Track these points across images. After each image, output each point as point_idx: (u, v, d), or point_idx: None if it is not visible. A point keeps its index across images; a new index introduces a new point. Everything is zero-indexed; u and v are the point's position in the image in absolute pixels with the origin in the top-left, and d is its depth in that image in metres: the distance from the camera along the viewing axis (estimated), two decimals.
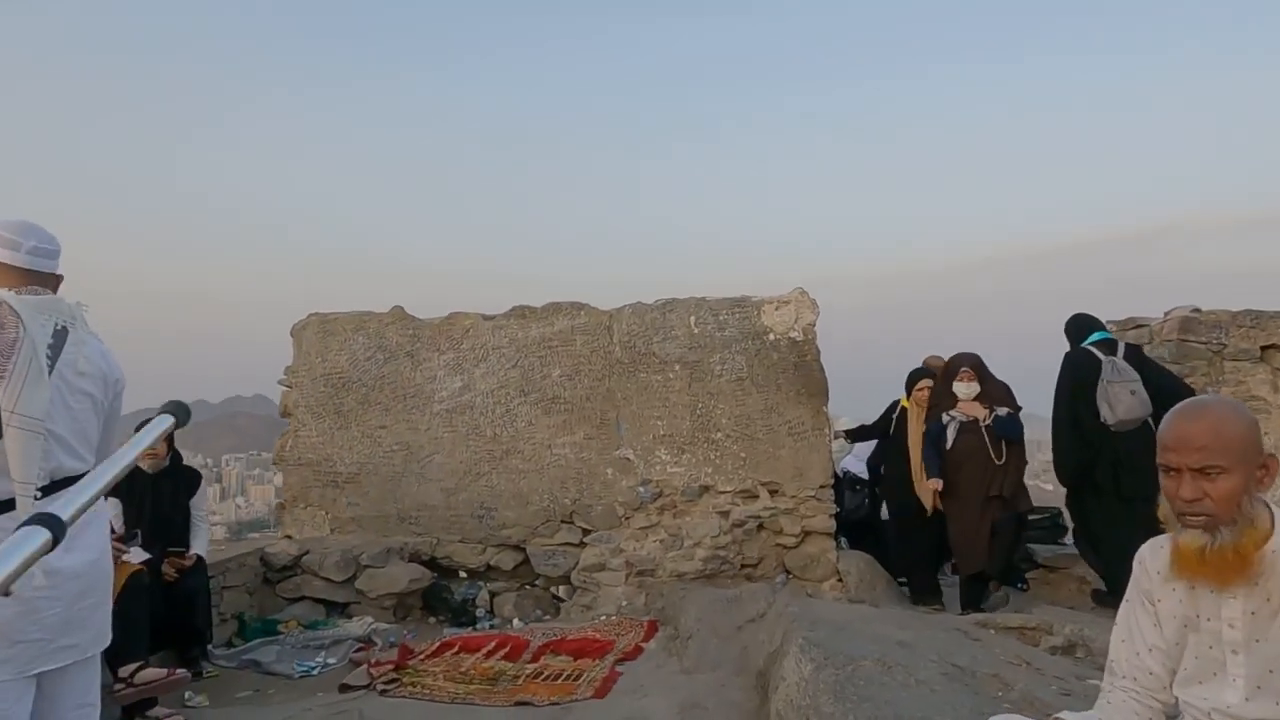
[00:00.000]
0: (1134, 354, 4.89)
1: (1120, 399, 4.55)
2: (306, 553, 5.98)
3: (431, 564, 6.27)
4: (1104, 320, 6.83)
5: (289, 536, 6.38)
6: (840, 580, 5.93)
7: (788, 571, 6.08)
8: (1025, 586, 6.30)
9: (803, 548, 6.04)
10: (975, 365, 5.41)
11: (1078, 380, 4.74)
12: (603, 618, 5.59)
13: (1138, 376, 4.59)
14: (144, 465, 4.85)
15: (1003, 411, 5.28)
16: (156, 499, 4.86)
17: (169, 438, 4.96)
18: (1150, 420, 4.57)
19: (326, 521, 6.39)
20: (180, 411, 1.56)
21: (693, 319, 6.18)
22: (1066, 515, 6.26)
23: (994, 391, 5.41)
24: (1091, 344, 4.95)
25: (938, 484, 5.42)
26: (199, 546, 4.92)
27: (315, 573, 5.89)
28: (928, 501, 5.62)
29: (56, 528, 1.00)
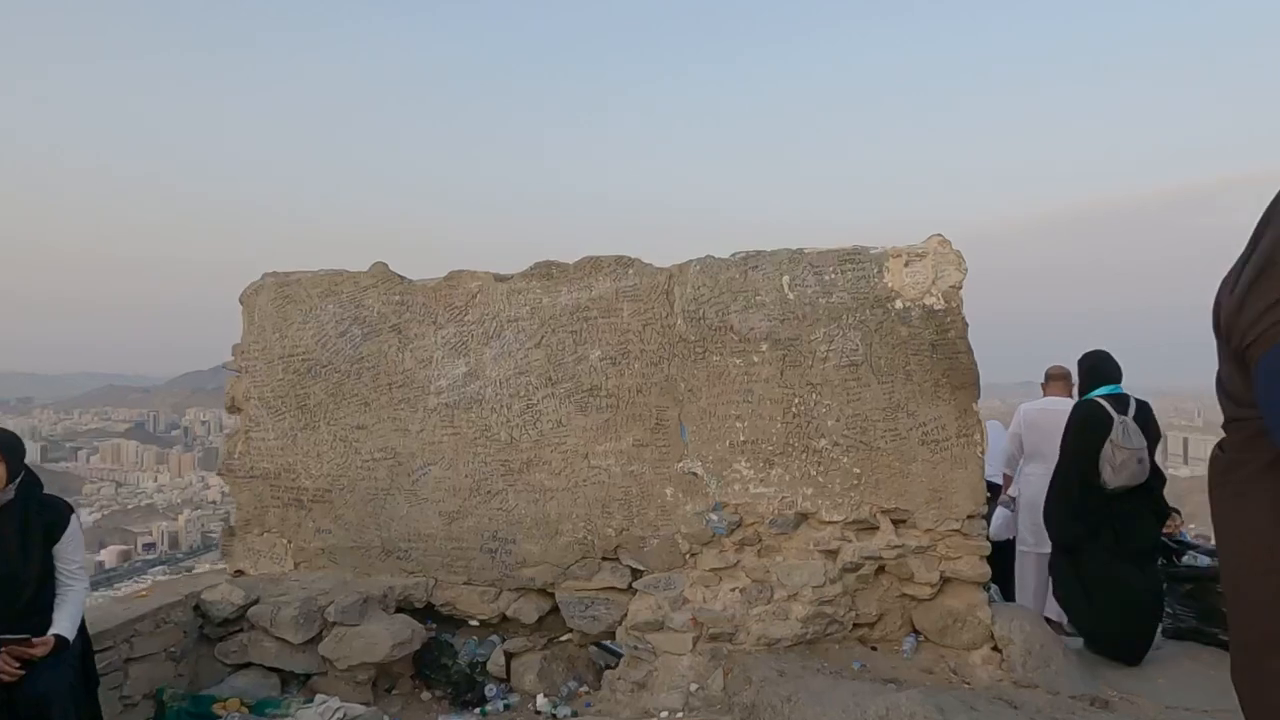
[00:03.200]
0: (1144, 414, 4.38)
1: (1126, 466, 4.21)
2: (256, 601, 4.27)
3: (427, 613, 4.55)
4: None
5: (240, 573, 4.68)
6: (997, 650, 4.08)
7: (917, 633, 4.25)
8: None
9: (941, 600, 4.18)
10: None
11: (1087, 438, 4.29)
12: (664, 715, 3.80)
13: (1144, 443, 4.24)
14: None
15: None
16: None
17: (15, 456, 3.22)
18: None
19: (288, 553, 4.66)
20: None
21: (786, 279, 4.29)
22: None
23: None
24: (1103, 395, 4.41)
25: None
26: (62, 623, 3.19)
27: (267, 629, 4.18)
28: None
29: None
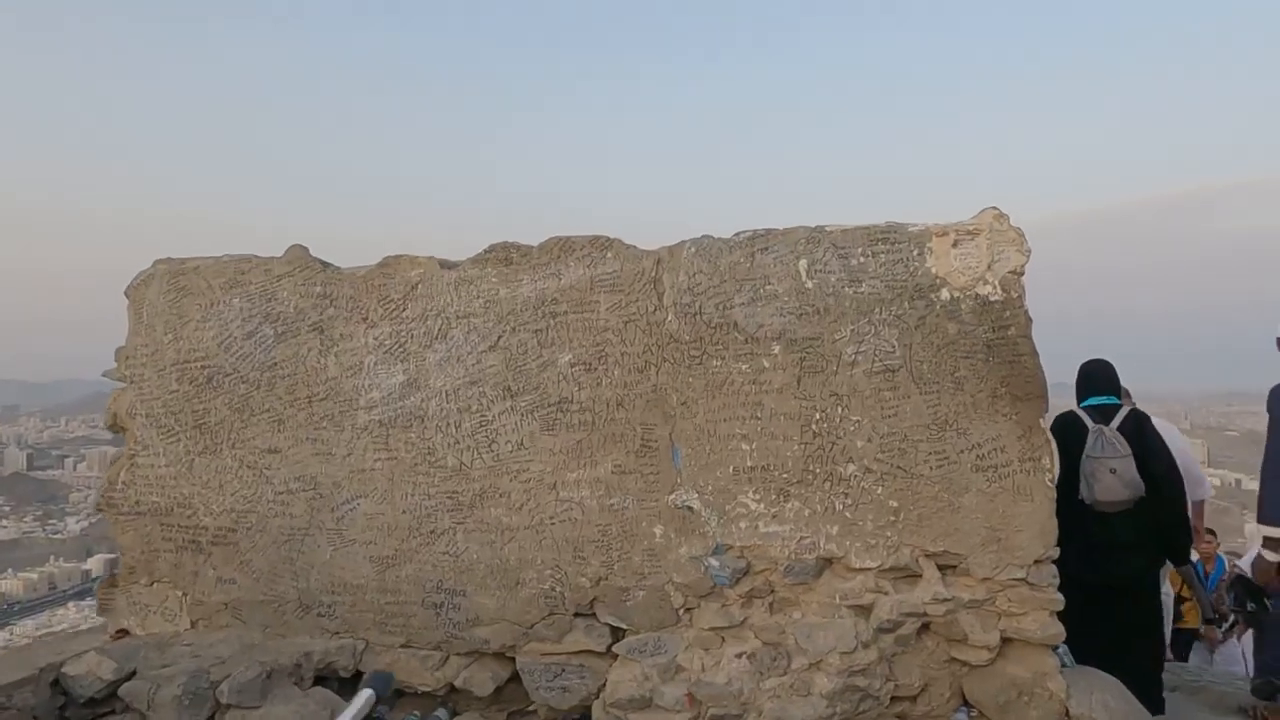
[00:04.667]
0: (1134, 423, 3.83)
1: (1099, 477, 3.66)
2: (132, 674, 3.30)
3: (356, 682, 3.59)
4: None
5: (123, 633, 3.70)
6: None
7: (969, 705, 3.33)
8: None
9: (1002, 667, 3.25)
10: None
11: (1060, 447, 3.60)
12: None
13: (1128, 452, 3.69)
14: None
15: None
16: None
17: None
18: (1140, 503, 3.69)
19: (184, 608, 3.68)
20: (381, 684, 1.37)
21: (804, 264, 3.36)
22: None
23: None
24: (1087, 406, 3.92)
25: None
26: None
27: (143, 713, 3.21)
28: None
29: None
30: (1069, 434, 3.77)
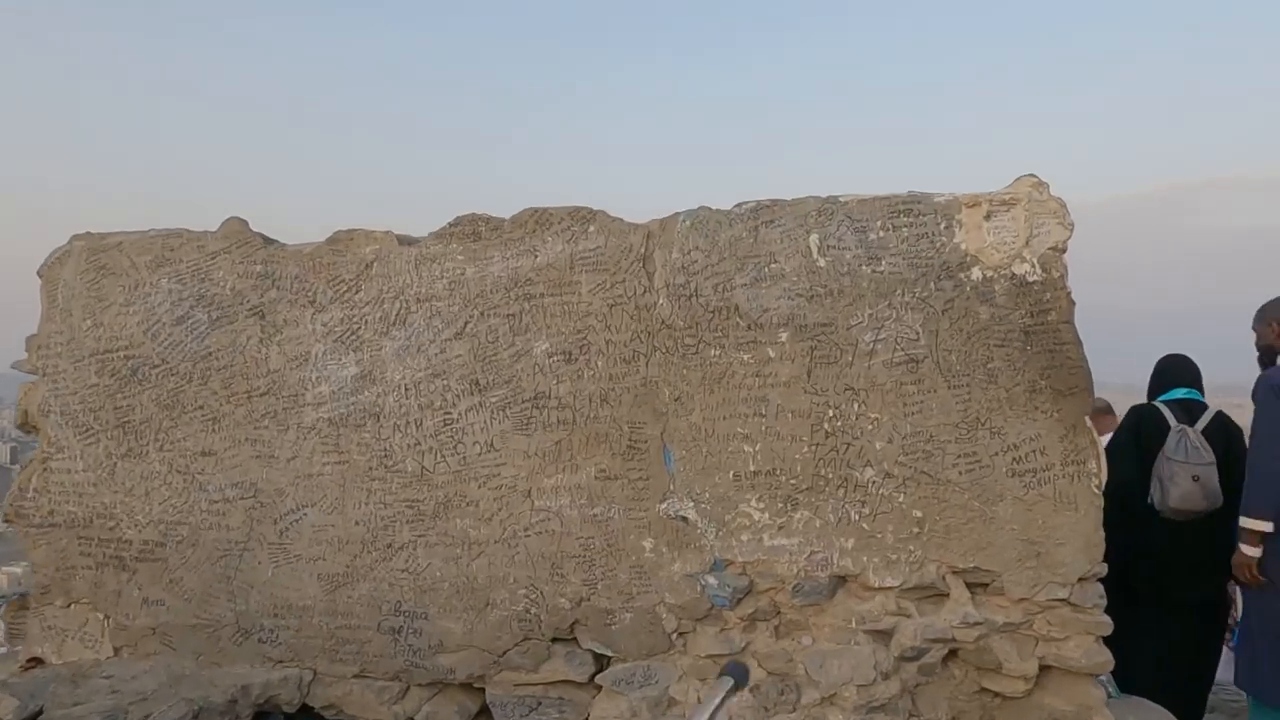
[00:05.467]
0: (1221, 428, 3.51)
1: (1177, 482, 3.28)
2: (38, 714, 2.83)
3: (303, 717, 3.14)
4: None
5: (35, 662, 3.23)
6: None
7: None
8: None
9: (1040, 699, 2.84)
10: None
11: (1133, 449, 3.47)
12: None
13: (1211, 459, 3.32)
14: None
15: None
16: None
17: None
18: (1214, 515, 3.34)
19: (105, 633, 3.21)
20: (740, 674, 1.42)
21: (815, 239, 2.92)
22: None
23: None
24: (1168, 400, 3.59)
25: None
26: None
27: None
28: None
29: None
30: (1145, 428, 3.47)
